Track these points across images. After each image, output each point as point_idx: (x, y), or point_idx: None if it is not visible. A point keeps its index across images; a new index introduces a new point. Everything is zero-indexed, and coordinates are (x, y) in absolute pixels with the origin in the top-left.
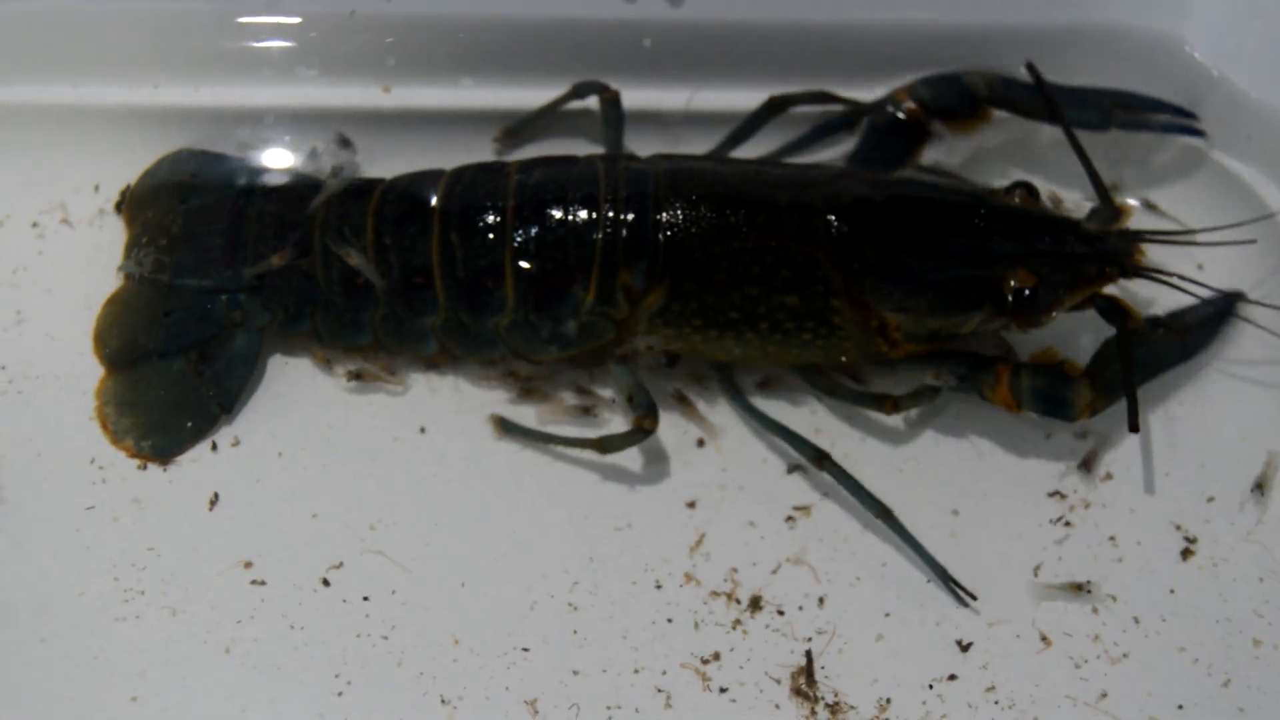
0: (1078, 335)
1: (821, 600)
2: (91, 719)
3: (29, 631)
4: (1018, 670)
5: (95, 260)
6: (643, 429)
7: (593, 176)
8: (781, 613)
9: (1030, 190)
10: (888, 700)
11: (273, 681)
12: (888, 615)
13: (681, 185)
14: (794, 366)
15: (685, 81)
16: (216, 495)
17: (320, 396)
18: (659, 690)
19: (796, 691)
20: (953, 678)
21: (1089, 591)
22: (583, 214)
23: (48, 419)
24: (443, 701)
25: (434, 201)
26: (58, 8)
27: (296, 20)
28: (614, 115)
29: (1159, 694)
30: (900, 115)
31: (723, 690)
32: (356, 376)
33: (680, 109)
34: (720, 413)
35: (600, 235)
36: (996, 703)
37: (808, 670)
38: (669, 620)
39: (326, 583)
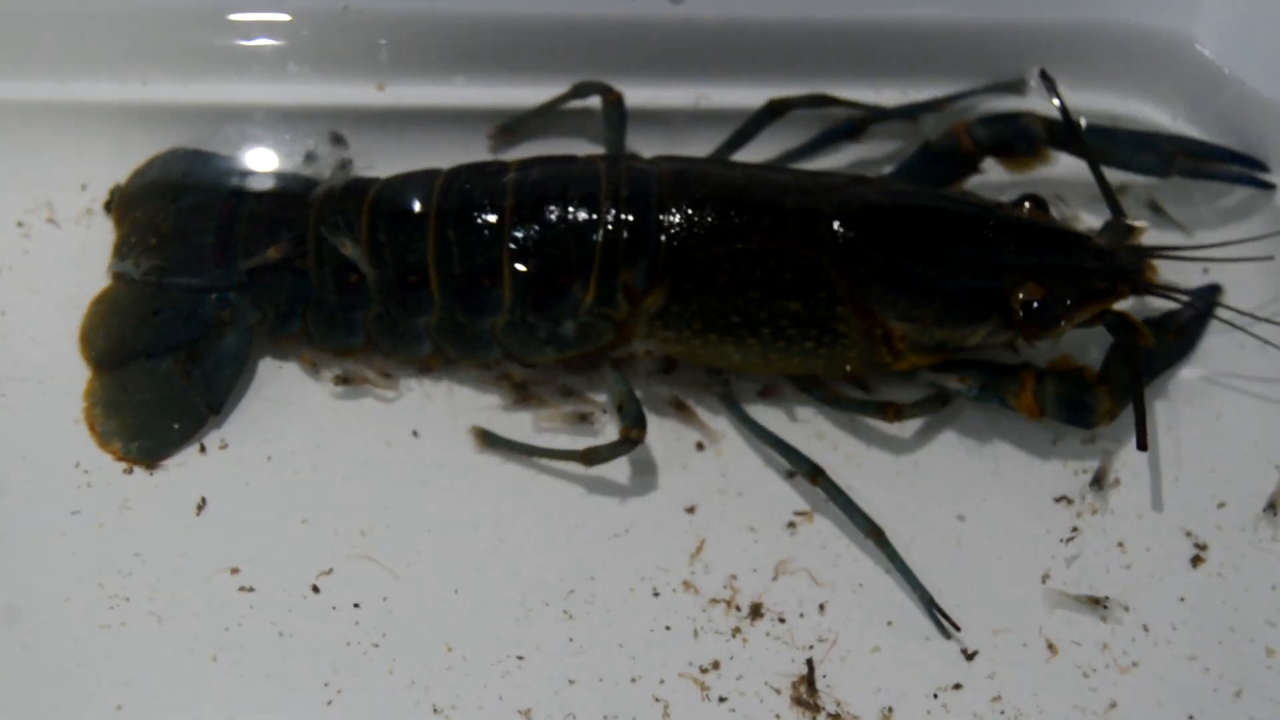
0: (1087, 343)
1: (823, 607)
2: None
3: (12, 639)
4: (1025, 679)
5: (82, 260)
6: (629, 439)
7: (594, 175)
8: (782, 620)
9: (1039, 203)
10: (891, 710)
11: (261, 690)
12: (891, 623)
13: (686, 185)
14: (795, 378)
15: (685, 80)
16: (204, 500)
17: (311, 400)
18: (656, 700)
19: (797, 701)
20: (958, 687)
21: (1097, 599)
22: (583, 212)
23: (32, 422)
24: (435, 711)
25: (431, 199)
26: (45, 2)
27: (287, 17)
28: (616, 117)
29: (1169, 704)
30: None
31: (722, 700)
32: (344, 381)
33: (678, 108)
34: (719, 417)
35: (601, 234)
36: (1003, 713)
37: (809, 679)
38: (667, 628)
39: (316, 589)
